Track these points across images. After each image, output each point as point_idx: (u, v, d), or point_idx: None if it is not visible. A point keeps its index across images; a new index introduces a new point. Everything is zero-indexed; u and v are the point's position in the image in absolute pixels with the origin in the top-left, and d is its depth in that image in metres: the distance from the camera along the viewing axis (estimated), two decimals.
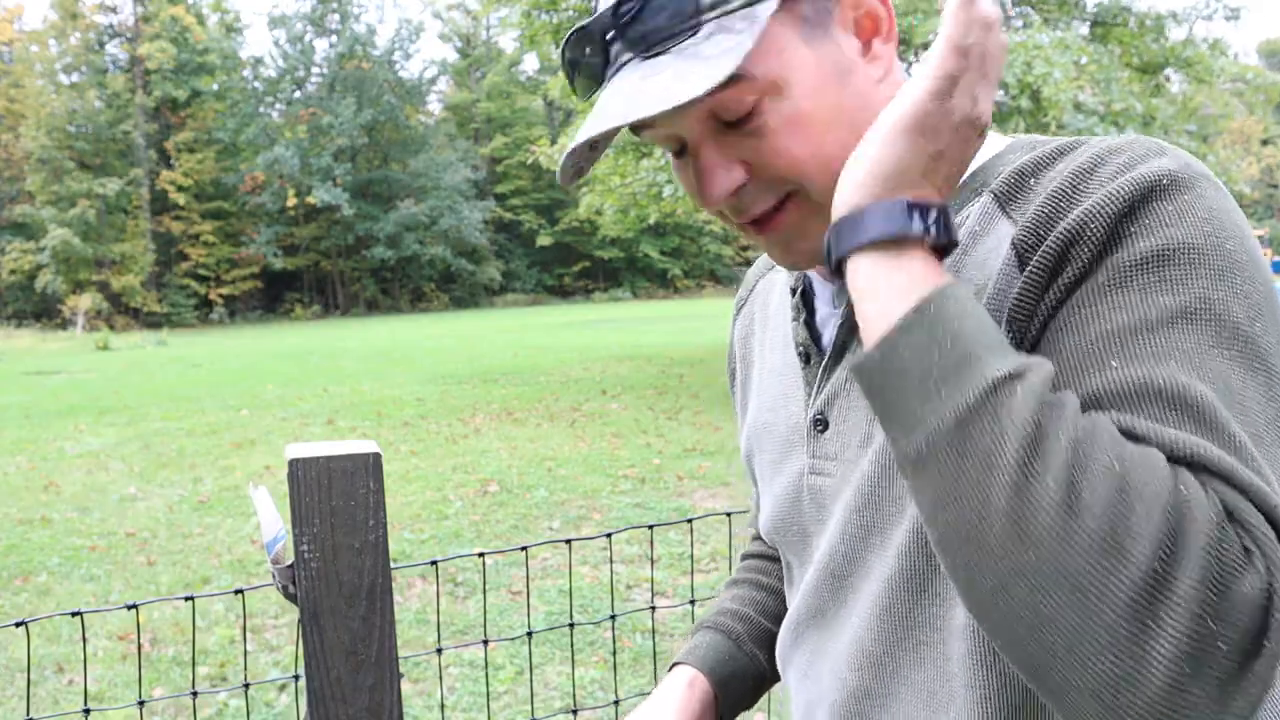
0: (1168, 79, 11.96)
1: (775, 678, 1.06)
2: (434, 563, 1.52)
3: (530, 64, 53.47)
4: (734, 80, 0.70)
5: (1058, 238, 0.67)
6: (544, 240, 51.22)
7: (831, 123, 0.73)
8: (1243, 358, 0.62)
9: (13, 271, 42.38)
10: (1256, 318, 0.63)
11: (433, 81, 56.70)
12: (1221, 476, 0.56)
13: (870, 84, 0.75)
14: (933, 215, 0.64)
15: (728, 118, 0.73)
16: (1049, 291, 0.67)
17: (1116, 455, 0.55)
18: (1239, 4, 12.15)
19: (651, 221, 13.38)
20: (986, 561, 0.56)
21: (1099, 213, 0.66)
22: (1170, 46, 11.70)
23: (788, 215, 0.76)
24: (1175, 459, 0.56)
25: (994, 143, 0.81)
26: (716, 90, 0.68)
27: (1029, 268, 0.68)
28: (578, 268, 53.28)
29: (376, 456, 1.05)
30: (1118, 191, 0.66)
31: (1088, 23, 11.85)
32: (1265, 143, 40.19)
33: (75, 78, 45.58)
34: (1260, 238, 30.78)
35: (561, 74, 12.82)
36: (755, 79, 0.71)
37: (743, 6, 0.70)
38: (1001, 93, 9.53)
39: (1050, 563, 0.53)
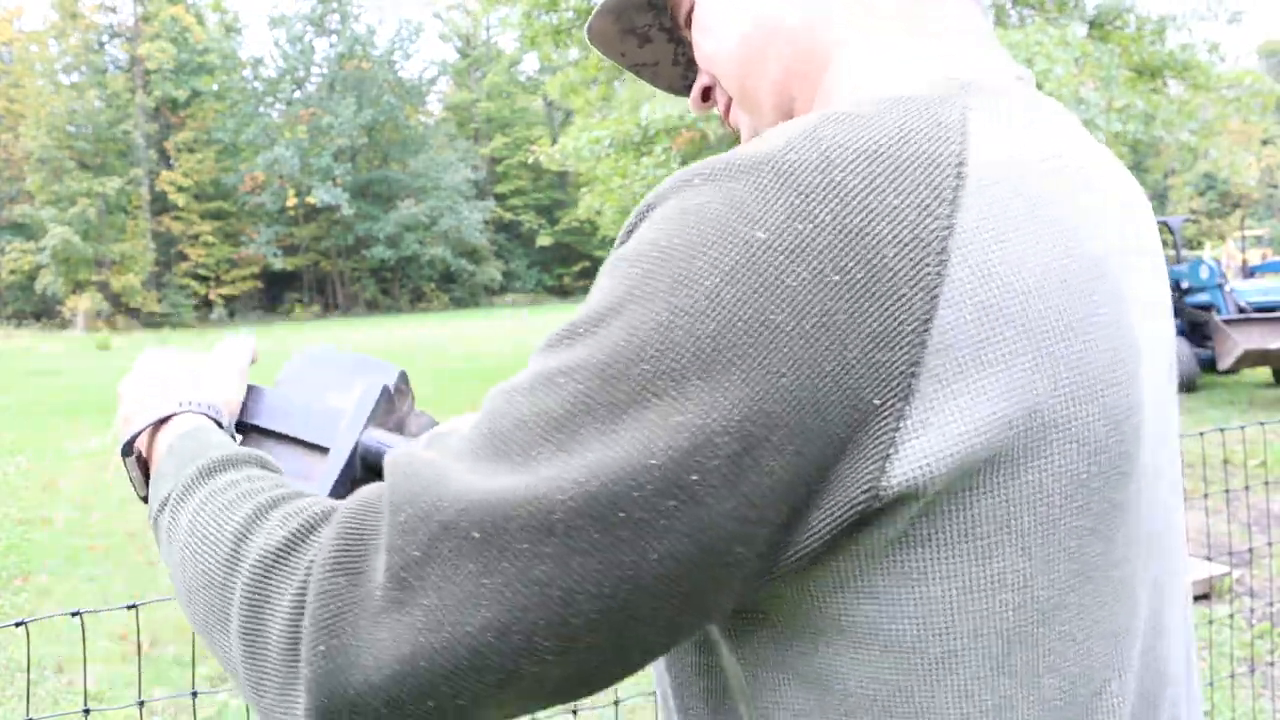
0: (1164, 83, 11.95)
1: None
2: None
3: (530, 64, 53.47)
4: None
5: None
6: (544, 240, 51.21)
7: (730, 21, 0.74)
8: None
9: (13, 271, 42.36)
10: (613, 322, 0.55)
11: (433, 81, 56.72)
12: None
13: None
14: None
15: (680, 19, 0.83)
16: None
17: (210, 535, 0.68)
18: (1239, 6, 12.13)
19: None
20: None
21: None
22: (1169, 51, 11.68)
23: (733, 113, 0.79)
24: None
25: None
26: None
27: None
28: (578, 268, 53.27)
29: None
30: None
31: (1087, 24, 11.83)
32: (1265, 143, 40.21)
33: (75, 78, 45.57)
34: (1259, 238, 30.69)
35: (560, 74, 12.59)
36: None
37: None
38: None
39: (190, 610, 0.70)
